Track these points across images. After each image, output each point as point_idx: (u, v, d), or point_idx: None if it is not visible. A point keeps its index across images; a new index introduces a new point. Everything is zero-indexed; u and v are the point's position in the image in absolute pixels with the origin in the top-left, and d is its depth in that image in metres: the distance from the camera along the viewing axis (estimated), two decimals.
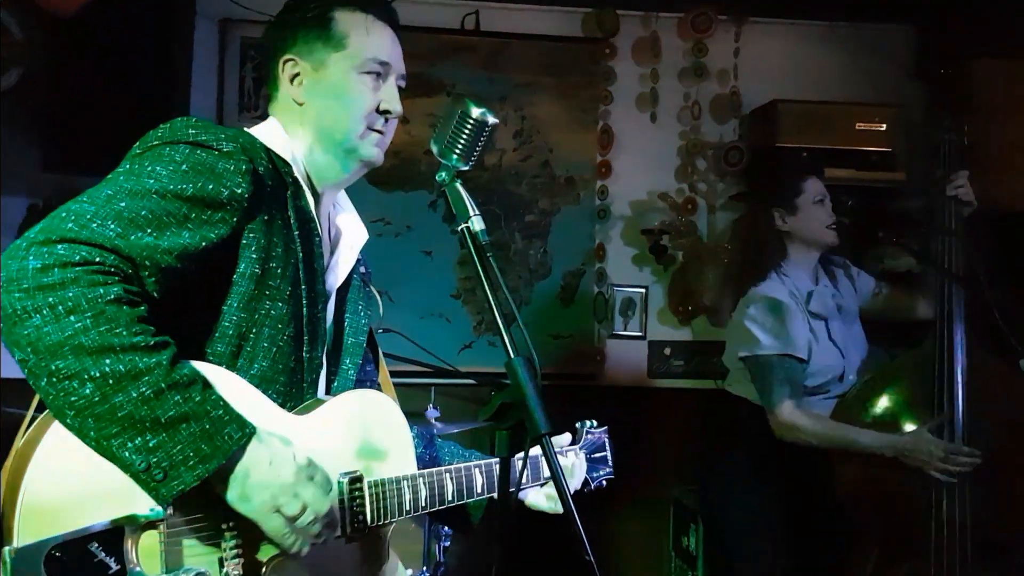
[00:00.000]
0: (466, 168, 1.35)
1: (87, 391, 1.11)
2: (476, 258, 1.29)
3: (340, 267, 1.54)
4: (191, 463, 1.15)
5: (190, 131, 1.30)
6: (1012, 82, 3.52)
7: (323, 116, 1.47)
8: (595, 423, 1.96)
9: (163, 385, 1.14)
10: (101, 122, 2.92)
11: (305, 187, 1.45)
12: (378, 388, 1.65)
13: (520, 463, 1.48)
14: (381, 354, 1.67)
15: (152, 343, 1.15)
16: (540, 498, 1.76)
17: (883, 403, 2.59)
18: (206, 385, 1.20)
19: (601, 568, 1.22)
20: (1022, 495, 2.49)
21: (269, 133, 1.47)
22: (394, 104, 1.48)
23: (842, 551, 2.61)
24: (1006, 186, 3.40)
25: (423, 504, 1.51)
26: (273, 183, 1.37)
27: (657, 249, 3.83)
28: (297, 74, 1.48)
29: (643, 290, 3.91)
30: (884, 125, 3.60)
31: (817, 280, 2.75)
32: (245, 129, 1.43)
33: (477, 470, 1.62)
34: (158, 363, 1.15)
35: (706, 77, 3.90)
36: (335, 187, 1.55)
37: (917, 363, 2.60)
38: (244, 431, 1.21)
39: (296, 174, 1.44)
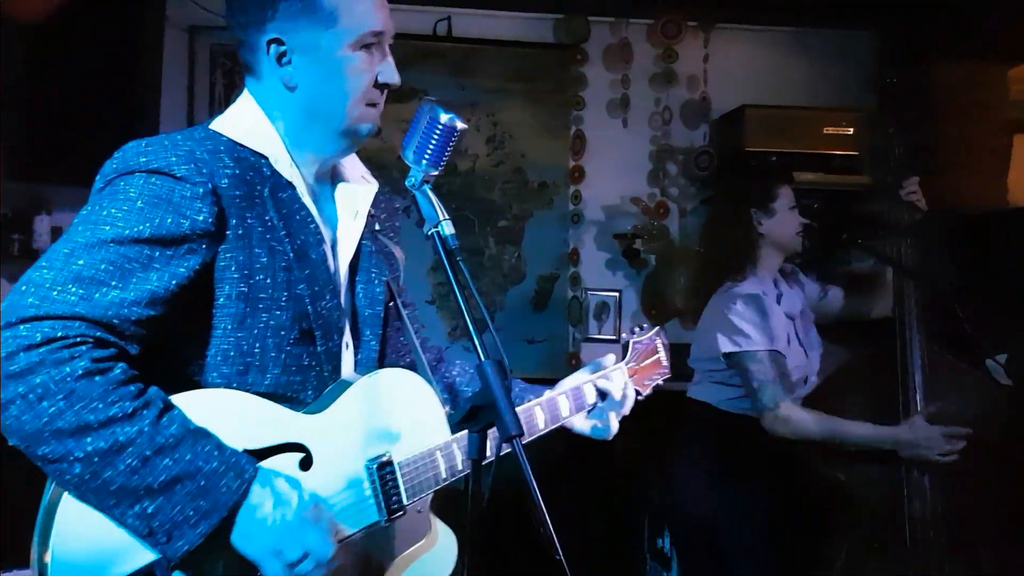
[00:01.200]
0: (436, 173, 1.34)
1: (77, 471, 1.10)
2: (446, 262, 1.28)
3: (345, 240, 1.46)
4: (192, 521, 1.14)
5: (141, 159, 1.23)
6: (972, 85, 3.60)
7: (318, 100, 1.37)
8: (643, 327, 1.95)
9: (148, 453, 1.12)
10: (68, 131, 2.90)
11: (290, 176, 1.37)
12: (404, 350, 1.59)
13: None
14: (403, 311, 1.58)
15: (131, 410, 1.13)
16: (585, 424, 1.75)
17: (847, 401, 2.62)
18: (197, 438, 1.17)
19: (575, 570, 1.22)
20: (985, 491, 2.54)
21: (241, 123, 1.37)
22: (392, 76, 1.40)
23: (813, 549, 2.64)
24: (966, 188, 3.48)
25: (460, 468, 1.48)
26: (244, 189, 1.30)
27: (630, 253, 3.87)
28: (284, 54, 1.35)
29: (616, 294, 3.95)
30: (850, 129, 3.67)
31: (783, 282, 2.78)
32: (210, 125, 1.36)
33: (538, 406, 1.62)
34: (139, 431, 1.12)
35: (676, 83, 3.95)
36: (330, 164, 1.47)
37: (876, 362, 2.63)
38: (243, 478, 1.18)
39: (275, 165, 1.36)
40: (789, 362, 2.65)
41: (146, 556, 1.15)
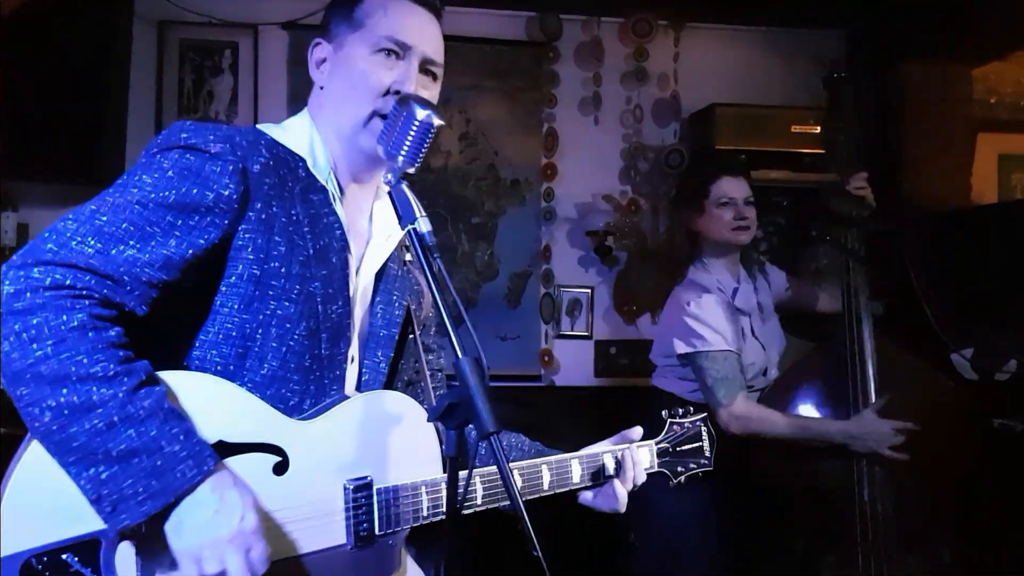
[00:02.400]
0: (411, 170, 1.33)
1: (46, 419, 1.11)
2: (423, 259, 1.27)
3: (372, 257, 1.48)
4: (140, 498, 1.12)
5: (182, 135, 1.28)
6: (938, 84, 3.67)
7: (335, 97, 1.44)
8: (689, 411, 1.85)
9: (115, 419, 1.12)
10: (35, 126, 2.86)
11: (324, 180, 1.40)
12: (418, 381, 1.58)
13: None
14: (421, 345, 1.58)
15: (112, 372, 1.13)
16: (588, 494, 1.69)
17: (802, 395, 2.65)
18: (168, 417, 1.15)
19: (551, 565, 1.22)
20: (936, 485, 2.57)
21: (289, 127, 1.44)
22: (407, 86, 1.40)
23: (771, 543, 2.66)
24: (931, 185, 3.54)
25: (443, 509, 1.41)
26: (275, 180, 1.33)
27: (602, 250, 3.89)
28: (324, 59, 1.46)
29: (589, 290, 3.96)
30: (818, 127, 3.72)
31: (739, 279, 2.80)
32: (260, 125, 1.41)
33: (517, 471, 1.54)
34: (114, 395, 1.12)
35: (647, 81, 3.97)
36: (366, 180, 1.50)
37: (830, 355, 2.65)
38: (201, 469, 1.16)
39: (312, 168, 1.40)
40: (745, 357, 2.68)
41: (98, 523, 1.14)
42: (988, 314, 2.93)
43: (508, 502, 1.52)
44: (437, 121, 1.32)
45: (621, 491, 1.66)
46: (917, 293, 2.57)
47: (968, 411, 2.61)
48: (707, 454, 1.85)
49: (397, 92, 1.40)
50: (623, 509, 1.67)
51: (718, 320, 2.62)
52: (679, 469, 1.81)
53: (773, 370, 2.77)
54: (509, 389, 3.75)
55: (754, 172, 3.27)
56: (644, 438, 1.78)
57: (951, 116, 3.75)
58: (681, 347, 2.65)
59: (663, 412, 1.82)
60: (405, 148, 1.32)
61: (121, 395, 1.13)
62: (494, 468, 1.50)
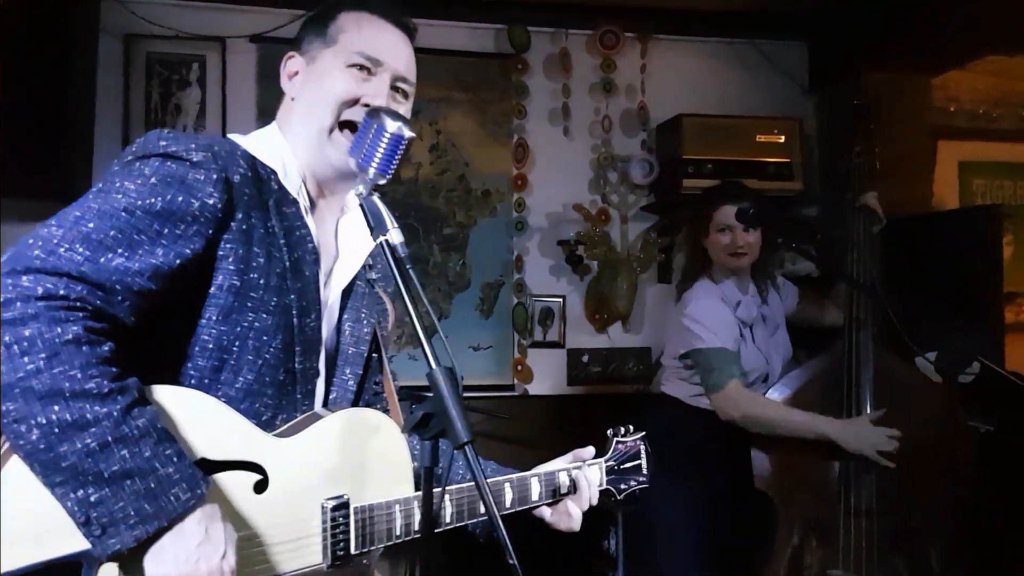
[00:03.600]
0: (383, 181, 1.33)
1: (33, 437, 1.06)
2: (396, 270, 1.26)
3: (340, 274, 1.48)
4: (131, 522, 1.09)
5: (161, 143, 1.26)
6: (896, 94, 3.75)
7: (305, 108, 1.44)
8: (629, 430, 1.88)
9: (109, 438, 1.08)
10: (1, 141, 2.82)
11: (296, 193, 1.40)
12: (384, 401, 1.58)
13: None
14: (387, 363, 1.59)
15: (106, 390, 1.10)
16: (545, 511, 1.70)
17: (798, 398, 2.71)
18: (161, 438, 1.13)
19: (527, 573, 1.23)
20: (923, 483, 2.64)
21: (260, 139, 1.43)
22: (378, 100, 1.41)
23: (761, 540, 2.72)
24: (893, 192, 3.60)
25: (416, 529, 1.41)
26: (253, 190, 1.32)
27: (573, 259, 3.91)
28: (296, 72, 1.47)
29: (560, 300, 3.98)
30: (782, 137, 3.78)
31: (748, 291, 2.91)
32: (231, 136, 1.40)
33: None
34: (108, 413, 1.09)
35: (615, 92, 4.01)
36: (333, 193, 1.49)
37: (828, 364, 2.74)
38: (194, 493, 1.14)
39: (283, 181, 1.39)
40: (744, 363, 2.80)
41: (77, 544, 1.10)
42: (951, 317, 2.99)
43: (474, 520, 1.54)
44: (408, 133, 1.32)
45: (576, 510, 1.68)
46: (881, 298, 2.63)
47: (958, 416, 2.70)
48: (644, 472, 1.88)
49: (367, 105, 1.41)
50: (578, 528, 1.68)
51: (715, 321, 2.76)
52: (622, 487, 1.84)
53: (773, 379, 2.86)
54: (482, 399, 3.75)
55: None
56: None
57: (912, 124, 3.82)
58: (681, 347, 2.82)
59: (608, 431, 1.85)
60: (376, 160, 1.31)
61: (116, 414, 1.10)
62: (463, 485, 1.52)
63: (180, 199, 1.23)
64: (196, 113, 3.64)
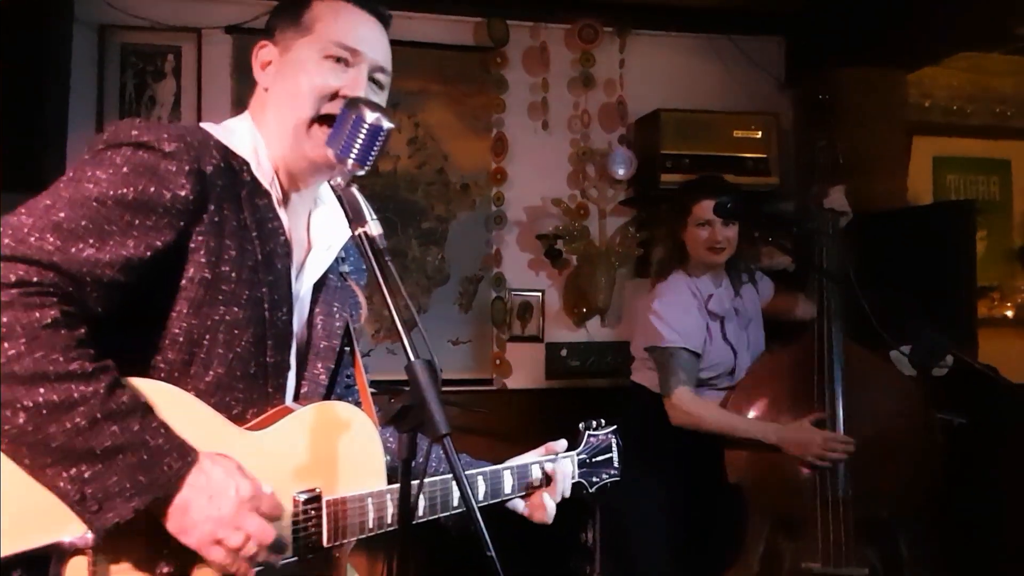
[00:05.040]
0: (361, 173, 1.31)
1: (20, 421, 1.06)
2: (374, 263, 1.25)
3: (313, 267, 1.47)
4: (127, 495, 1.10)
5: (133, 132, 1.24)
6: (872, 90, 3.77)
7: (280, 99, 1.41)
8: (600, 423, 1.89)
9: (99, 415, 1.09)
10: None
11: (268, 185, 1.38)
12: (356, 394, 1.57)
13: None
14: (359, 357, 1.57)
15: (90, 369, 1.10)
16: (519, 503, 1.71)
17: (766, 394, 2.75)
18: (146, 412, 1.14)
19: (504, 566, 1.23)
20: (896, 475, 2.67)
21: (232, 129, 1.40)
22: (356, 91, 1.39)
23: (737, 532, 2.74)
24: (868, 187, 3.64)
25: (389, 521, 1.42)
26: (225, 182, 1.31)
27: (552, 253, 3.92)
28: (269, 61, 1.43)
29: (539, 294, 3.99)
30: (759, 132, 3.81)
31: (721, 284, 2.93)
32: (202, 125, 1.37)
33: (455, 484, 1.50)
34: (95, 391, 1.10)
35: (594, 86, 4.02)
36: (306, 185, 1.46)
37: (797, 357, 2.76)
38: (186, 460, 1.15)
39: (255, 172, 1.37)
40: (710, 357, 2.83)
41: (46, 538, 1.10)
42: (926, 311, 3.02)
43: (447, 513, 1.54)
44: (387, 124, 1.31)
45: (550, 503, 1.70)
46: (854, 287, 2.66)
47: (929, 408, 2.74)
48: (616, 465, 1.88)
49: (344, 96, 1.38)
50: (551, 520, 1.70)
51: (677, 319, 2.80)
52: (593, 480, 1.84)
53: (740, 372, 2.90)
54: (462, 393, 3.75)
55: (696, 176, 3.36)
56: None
57: (887, 120, 3.85)
58: (644, 342, 2.88)
59: (580, 424, 1.86)
60: (355, 151, 1.30)
61: (102, 391, 1.10)
62: (435, 478, 1.52)
63: (152, 189, 1.21)
64: (171, 104, 3.60)
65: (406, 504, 1.29)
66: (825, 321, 2.72)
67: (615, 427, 1.92)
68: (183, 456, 1.15)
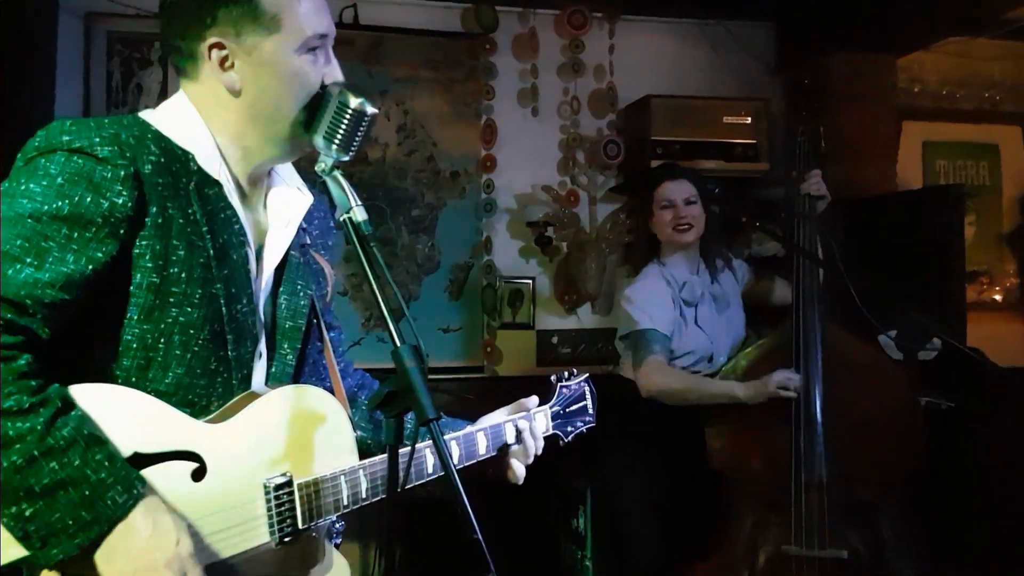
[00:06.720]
0: (346, 158, 1.31)
1: None
2: (360, 249, 1.24)
3: (273, 247, 1.42)
4: (71, 531, 1.08)
5: (64, 137, 1.19)
6: (862, 75, 3.78)
7: (263, 103, 1.33)
8: (573, 373, 1.89)
9: (36, 452, 1.06)
10: None
11: (218, 174, 1.33)
12: (324, 372, 1.55)
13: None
14: (326, 333, 1.54)
15: (27, 405, 1.07)
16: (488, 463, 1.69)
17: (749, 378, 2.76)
18: (90, 443, 1.11)
19: (493, 552, 1.21)
20: (880, 458, 2.69)
21: (173, 118, 1.33)
22: (336, 75, 1.37)
23: (717, 517, 2.77)
24: (858, 172, 3.65)
25: (364, 496, 1.42)
26: (167, 179, 1.26)
27: (542, 240, 3.91)
28: (226, 59, 1.31)
29: (530, 281, 3.99)
30: (749, 118, 3.80)
31: (698, 271, 2.95)
32: (140, 114, 1.32)
33: (428, 450, 1.52)
34: (31, 428, 1.06)
35: (583, 72, 4.00)
36: (265, 168, 1.43)
37: (780, 342, 2.78)
38: (131, 494, 1.12)
39: (201, 163, 1.31)
40: (685, 344, 2.88)
41: (17, 552, 1.09)
42: (914, 295, 3.04)
43: (420, 482, 1.53)
44: (371, 109, 1.31)
45: (519, 464, 1.70)
46: (843, 276, 2.67)
47: (913, 391, 2.76)
48: (590, 411, 1.89)
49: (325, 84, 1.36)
50: (521, 480, 1.70)
51: (649, 302, 2.85)
52: (568, 429, 1.85)
53: (721, 358, 2.92)
54: (452, 381, 3.75)
55: (687, 162, 3.37)
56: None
57: (877, 105, 3.86)
58: (621, 330, 2.96)
59: (551, 377, 1.87)
60: (339, 137, 1.30)
61: (39, 427, 1.07)
62: (404, 449, 1.47)
63: (88, 200, 1.17)
64: (158, 92, 3.58)
65: (393, 489, 1.29)
66: (801, 304, 2.73)
67: (587, 375, 1.92)
68: (128, 489, 1.12)
